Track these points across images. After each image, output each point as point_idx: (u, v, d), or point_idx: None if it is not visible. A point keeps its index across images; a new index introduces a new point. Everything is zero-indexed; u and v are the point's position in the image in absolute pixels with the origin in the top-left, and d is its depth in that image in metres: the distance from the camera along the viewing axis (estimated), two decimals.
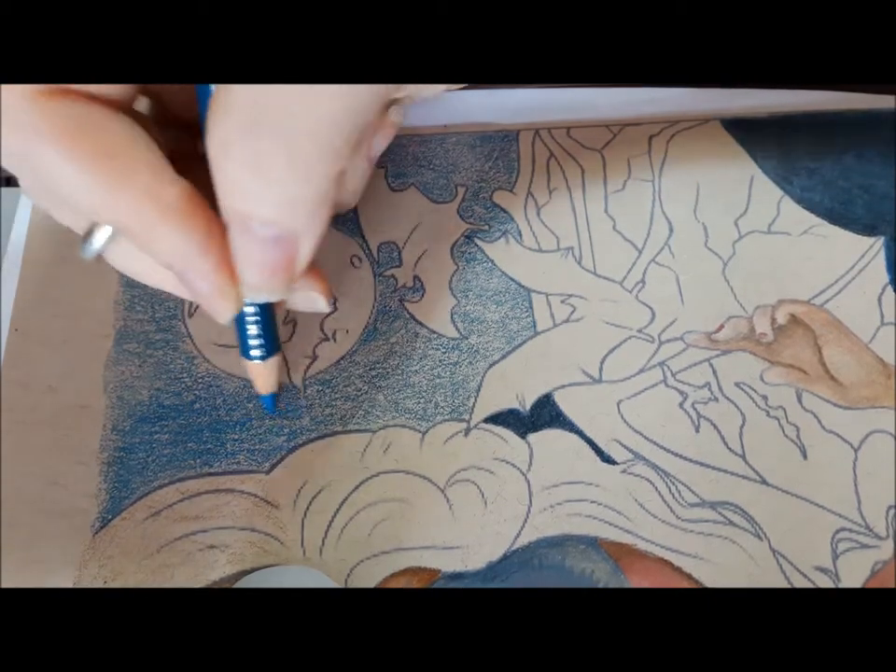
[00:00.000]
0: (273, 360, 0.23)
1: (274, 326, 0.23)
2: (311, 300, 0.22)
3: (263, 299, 0.19)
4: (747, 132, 0.29)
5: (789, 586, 0.23)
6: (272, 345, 0.23)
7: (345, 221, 0.28)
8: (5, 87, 0.16)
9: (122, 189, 0.17)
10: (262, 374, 0.24)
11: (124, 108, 0.18)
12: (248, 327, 0.22)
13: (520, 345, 0.26)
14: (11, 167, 0.18)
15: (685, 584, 0.23)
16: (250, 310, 0.22)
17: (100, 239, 0.18)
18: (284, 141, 0.16)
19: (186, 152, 0.20)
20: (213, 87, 0.17)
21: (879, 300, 0.26)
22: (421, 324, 0.27)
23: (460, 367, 0.26)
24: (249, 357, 0.23)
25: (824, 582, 0.23)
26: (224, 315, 0.19)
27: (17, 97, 0.16)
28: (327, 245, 0.28)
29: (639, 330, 0.26)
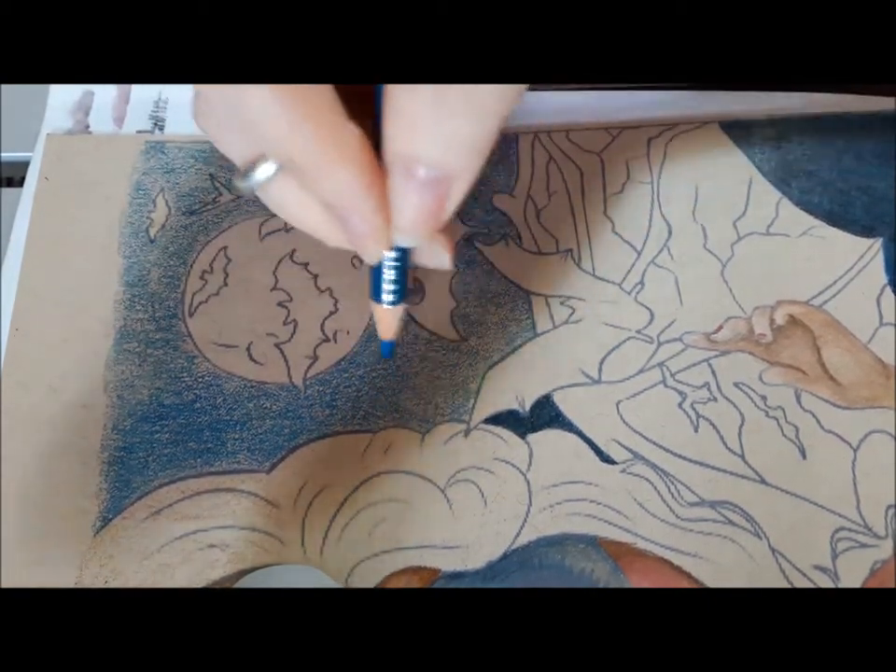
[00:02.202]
0: (402, 307, 0.24)
1: (407, 273, 0.24)
2: (438, 256, 0.23)
3: (410, 243, 0.20)
4: (745, 134, 0.29)
5: (788, 585, 0.23)
6: (403, 292, 0.23)
7: None
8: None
9: (309, 122, 0.17)
10: (389, 319, 0.24)
11: None
12: (386, 271, 0.23)
13: (519, 347, 0.26)
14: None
15: (685, 583, 0.23)
16: (391, 255, 0.22)
17: (263, 173, 0.19)
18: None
19: None
20: None
21: (878, 300, 0.26)
22: (421, 326, 0.27)
23: (460, 368, 0.26)
24: (381, 302, 0.23)
25: (823, 581, 0.23)
26: (374, 256, 0.21)
27: None
28: (328, 247, 0.28)
29: (638, 331, 0.26)
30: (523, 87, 0.18)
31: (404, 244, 0.21)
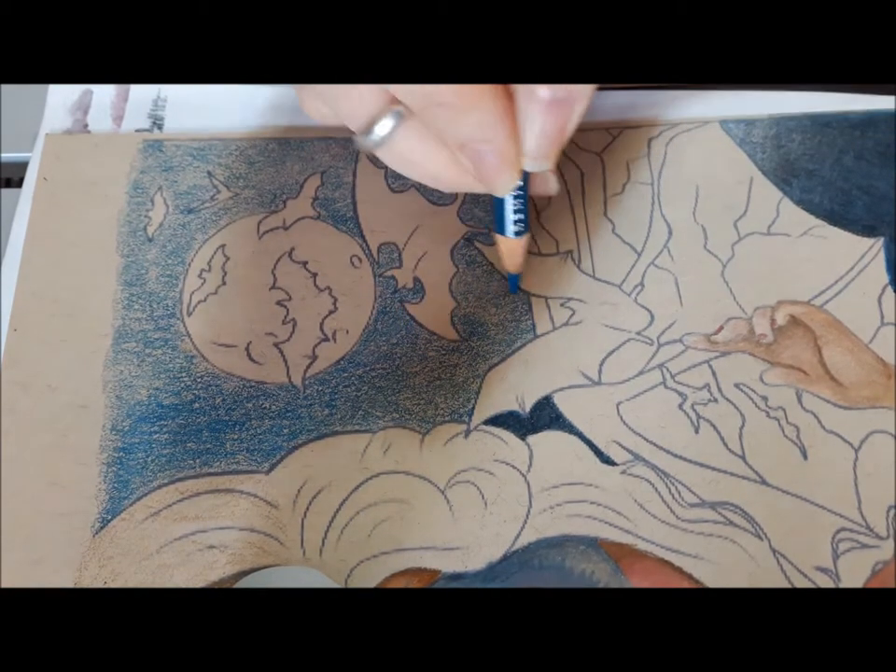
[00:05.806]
0: (526, 238, 0.24)
1: (528, 204, 0.24)
2: (546, 180, 0.24)
3: (537, 167, 0.21)
4: (746, 133, 0.29)
5: (789, 586, 0.23)
6: (527, 223, 0.24)
7: (345, 221, 0.28)
8: None
9: None
10: (516, 251, 0.24)
11: None
12: (511, 202, 0.23)
13: (520, 348, 0.26)
14: None
15: (685, 584, 0.23)
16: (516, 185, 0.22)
17: (384, 127, 0.20)
18: None
19: None
20: None
21: (879, 300, 0.26)
22: (421, 325, 0.27)
23: (460, 369, 0.26)
24: (507, 234, 0.24)
25: (825, 582, 0.23)
26: (507, 186, 0.21)
27: None
28: (327, 245, 0.28)
29: (638, 333, 0.26)
30: None
31: (531, 168, 0.21)
